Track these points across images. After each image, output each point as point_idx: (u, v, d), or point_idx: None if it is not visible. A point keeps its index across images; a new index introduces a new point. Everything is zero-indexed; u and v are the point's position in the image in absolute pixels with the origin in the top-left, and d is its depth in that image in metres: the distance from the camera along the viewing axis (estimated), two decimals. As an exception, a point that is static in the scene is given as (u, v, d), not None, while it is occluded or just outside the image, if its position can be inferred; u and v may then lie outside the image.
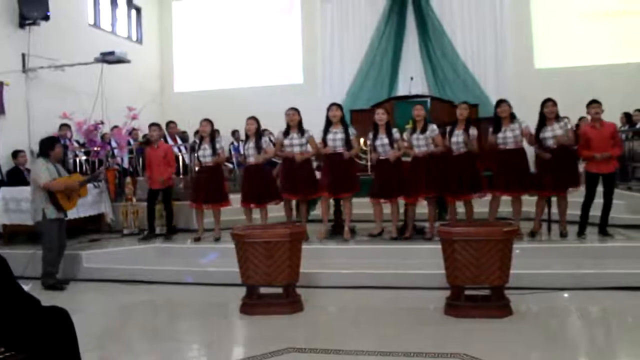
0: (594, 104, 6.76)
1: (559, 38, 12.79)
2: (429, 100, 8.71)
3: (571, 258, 6.19)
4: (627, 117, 10.87)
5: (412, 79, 10.51)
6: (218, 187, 7.53)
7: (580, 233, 6.86)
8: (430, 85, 12.20)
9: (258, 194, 7.25)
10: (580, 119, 9.97)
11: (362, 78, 12.65)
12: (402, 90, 11.58)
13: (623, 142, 9.59)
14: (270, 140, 7.75)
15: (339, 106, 7.22)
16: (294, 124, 7.17)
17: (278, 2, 14.38)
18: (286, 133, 7.23)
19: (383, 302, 5.47)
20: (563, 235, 6.87)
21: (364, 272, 6.06)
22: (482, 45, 12.69)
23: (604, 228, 6.88)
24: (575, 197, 7.12)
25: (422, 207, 7.38)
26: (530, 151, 7.01)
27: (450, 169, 6.87)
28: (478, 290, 4.91)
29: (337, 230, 7.66)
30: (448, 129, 6.99)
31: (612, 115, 9.30)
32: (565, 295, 5.41)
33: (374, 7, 13.04)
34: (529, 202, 7.23)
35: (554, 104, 6.73)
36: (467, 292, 4.82)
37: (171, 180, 8.11)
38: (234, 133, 12.02)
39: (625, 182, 9.11)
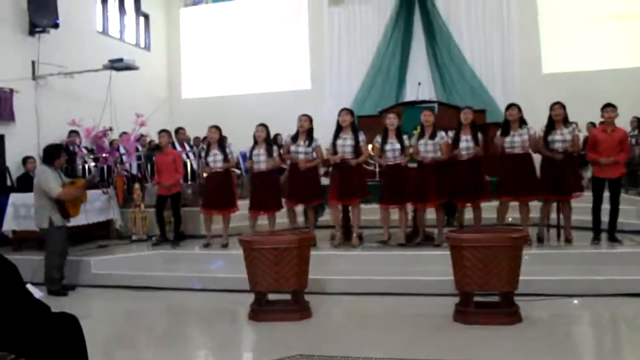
0: (608, 107, 6.71)
1: (567, 42, 12.72)
2: (436, 105, 8.69)
3: (581, 264, 6.15)
4: (638, 121, 10.79)
5: (419, 84, 10.49)
6: (228, 192, 7.56)
7: (595, 239, 6.80)
8: (438, 91, 12.20)
9: (266, 201, 7.27)
10: (592, 124, 9.91)
11: (369, 84, 12.69)
12: (409, 95, 11.59)
13: (632, 147, 9.59)
14: (279, 147, 7.74)
15: (349, 111, 7.21)
16: (303, 130, 7.19)
17: (285, 9, 14.41)
18: (294, 138, 7.25)
19: (392, 309, 5.45)
20: (568, 241, 6.84)
21: (373, 278, 6.04)
22: (489, 50, 12.69)
23: (613, 234, 6.82)
24: (583, 202, 7.09)
25: (430, 213, 7.35)
26: (535, 156, 6.98)
27: (459, 175, 6.86)
28: (487, 296, 4.88)
29: (345, 236, 7.64)
30: (451, 134, 6.96)
31: (620, 120, 9.23)
32: (575, 301, 5.38)
33: (381, 12, 13.09)
34: (533, 208, 7.21)
35: (562, 107, 6.71)
36: (476, 299, 4.80)
37: (179, 186, 8.12)
38: (276, 137, 11.46)
39: (636, 187, 9.04)
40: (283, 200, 7.38)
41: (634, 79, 11.78)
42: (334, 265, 6.56)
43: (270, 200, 7.28)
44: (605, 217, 6.88)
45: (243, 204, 7.71)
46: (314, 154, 7.22)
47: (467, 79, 12.38)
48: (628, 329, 4.94)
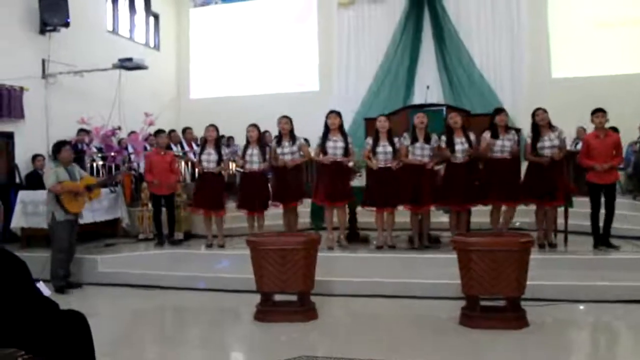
0: (598, 112, 6.68)
1: (576, 48, 12.66)
2: (444, 108, 8.66)
3: (586, 270, 6.12)
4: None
5: (428, 87, 10.48)
6: (218, 194, 7.57)
7: (596, 245, 6.77)
8: (446, 94, 12.18)
9: (254, 201, 7.31)
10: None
11: (377, 86, 12.68)
12: (417, 98, 11.57)
13: (639, 153, 9.56)
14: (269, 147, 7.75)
15: (337, 114, 7.18)
16: (285, 132, 7.26)
17: (295, 10, 14.43)
18: (278, 142, 7.30)
19: (397, 311, 5.45)
20: (552, 245, 6.85)
21: (378, 280, 6.04)
22: (498, 54, 12.66)
23: (607, 239, 6.77)
24: (582, 207, 7.08)
25: (434, 217, 7.36)
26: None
27: (455, 178, 6.84)
28: (493, 300, 4.87)
29: (352, 237, 7.65)
30: (444, 137, 6.91)
31: (628, 125, 9.20)
32: (581, 307, 5.36)
33: (390, 15, 13.08)
34: (524, 213, 7.20)
35: (544, 111, 6.72)
36: (482, 303, 4.79)
37: (174, 188, 8.11)
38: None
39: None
40: (270, 202, 7.41)
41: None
42: (339, 267, 6.55)
43: (258, 200, 7.32)
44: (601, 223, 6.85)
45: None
46: (301, 153, 7.28)
47: (475, 83, 12.35)
48: (633, 336, 4.93)
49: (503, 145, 6.75)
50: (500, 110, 6.97)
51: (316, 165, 7.36)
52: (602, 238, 6.79)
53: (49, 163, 6.74)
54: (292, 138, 7.28)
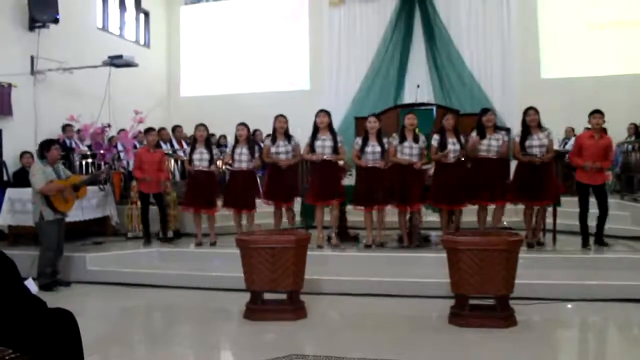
0: (596, 114, 6.73)
1: (566, 48, 12.78)
2: (434, 108, 8.70)
3: (574, 269, 6.17)
4: (635, 128, 10.83)
5: (418, 86, 10.51)
6: (211, 192, 7.55)
7: (585, 244, 6.82)
8: (437, 94, 12.22)
9: (242, 199, 7.30)
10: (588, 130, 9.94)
11: (368, 85, 12.70)
12: (408, 98, 11.60)
13: (628, 153, 9.64)
14: (260, 147, 7.71)
15: (326, 113, 7.18)
16: (281, 130, 7.22)
17: (286, 9, 14.43)
18: (273, 139, 7.27)
19: (387, 310, 5.46)
20: (540, 244, 6.91)
21: (368, 279, 6.05)
22: (488, 54, 12.72)
23: (601, 238, 6.85)
24: (572, 207, 7.11)
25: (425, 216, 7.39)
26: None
27: (445, 178, 6.87)
28: (482, 299, 4.90)
29: (342, 236, 7.65)
30: (437, 137, 6.93)
31: (617, 126, 9.29)
32: (569, 306, 5.40)
33: (381, 14, 13.10)
34: (512, 212, 7.26)
35: (536, 112, 6.75)
36: (471, 302, 4.81)
37: (162, 186, 8.07)
38: (255, 133, 11.31)
39: (631, 193, 9.08)
40: (259, 200, 7.40)
41: (631, 85, 11.84)
42: (329, 266, 6.56)
43: (247, 199, 7.31)
44: (592, 222, 6.90)
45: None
46: (294, 152, 7.27)
47: (466, 83, 12.40)
48: (620, 334, 4.97)
49: (489, 145, 6.78)
50: (486, 111, 7.02)
51: (309, 165, 7.35)
52: (595, 236, 6.85)
53: (36, 162, 6.62)
54: (288, 137, 7.25)
